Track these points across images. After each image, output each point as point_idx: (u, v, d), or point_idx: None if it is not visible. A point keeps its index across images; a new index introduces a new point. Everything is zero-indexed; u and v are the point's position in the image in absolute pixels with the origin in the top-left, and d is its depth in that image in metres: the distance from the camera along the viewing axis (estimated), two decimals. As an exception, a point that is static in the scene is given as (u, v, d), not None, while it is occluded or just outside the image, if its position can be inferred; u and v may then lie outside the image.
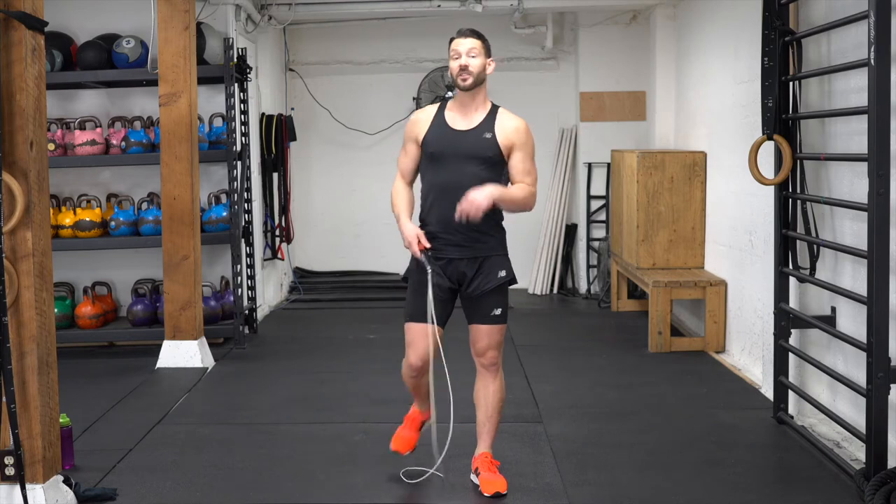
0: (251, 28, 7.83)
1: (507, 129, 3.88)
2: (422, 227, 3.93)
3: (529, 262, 9.01)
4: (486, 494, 3.92)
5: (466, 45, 3.84)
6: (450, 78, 3.96)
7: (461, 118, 3.91)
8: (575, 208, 9.14)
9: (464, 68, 3.82)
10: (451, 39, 3.90)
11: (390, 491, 4.03)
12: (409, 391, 4.24)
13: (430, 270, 3.81)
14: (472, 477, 4.07)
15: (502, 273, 3.92)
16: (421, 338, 3.91)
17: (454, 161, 3.85)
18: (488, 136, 3.86)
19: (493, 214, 3.88)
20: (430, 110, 4.00)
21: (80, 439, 4.68)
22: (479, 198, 3.69)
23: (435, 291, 3.85)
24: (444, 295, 3.92)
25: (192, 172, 6.26)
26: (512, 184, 3.93)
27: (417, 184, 4.06)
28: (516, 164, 3.89)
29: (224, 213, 6.88)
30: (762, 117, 4.80)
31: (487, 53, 3.88)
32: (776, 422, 4.82)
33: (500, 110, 3.94)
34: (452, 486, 4.06)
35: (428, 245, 3.84)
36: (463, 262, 3.89)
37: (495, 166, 3.88)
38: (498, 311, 3.92)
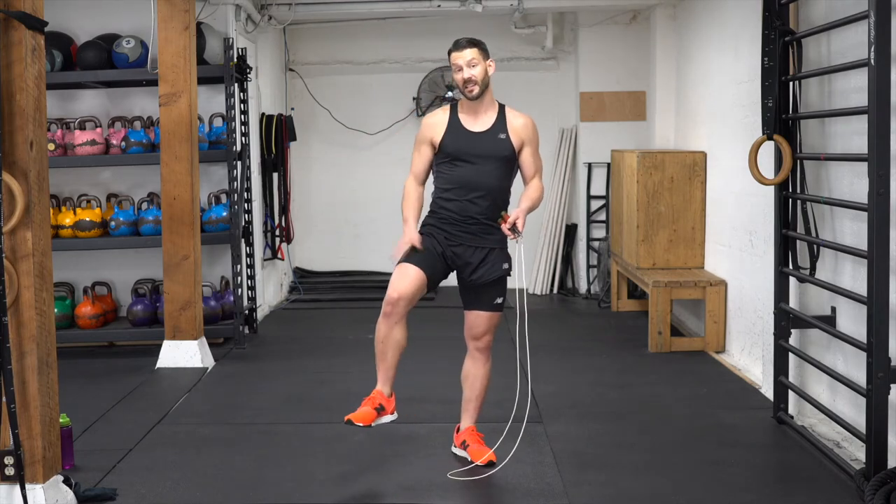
0: (251, 28, 7.83)
1: (518, 127, 4.18)
2: (433, 214, 4.20)
3: (529, 262, 9.00)
4: (478, 463, 4.18)
5: (466, 56, 4.08)
6: (457, 89, 4.22)
7: (474, 120, 4.18)
8: (575, 208, 9.14)
9: (468, 80, 4.07)
10: (450, 52, 4.14)
11: (390, 491, 4.03)
12: (376, 360, 4.18)
13: (520, 238, 4.05)
14: (455, 450, 4.36)
15: (505, 265, 4.22)
16: (407, 275, 4.03)
17: (473, 161, 4.13)
18: (503, 136, 4.16)
19: (504, 210, 4.17)
20: (443, 113, 4.23)
21: (80, 439, 4.68)
22: (520, 224, 4.00)
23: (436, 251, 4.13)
24: (442, 261, 4.14)
25: (192, 172, 6.26)
26: (524, 178, 4.24)
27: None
28: (527, 158, 4.21)
29: (224, 213, 6.88)
30: (762, 117, 4.80)
31: (486, 56, 4.12)
32: (776, 422, 4.82)
33: (507, 109, 4.22)
34: (452, 485, 4.07)
35: (420, 248, 4.05)
36: (471, 249, 4.16)
37: (509, 163, 4.19)
38: (500, 300, 4.24)
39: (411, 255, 4.07)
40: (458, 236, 4.14)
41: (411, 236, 4.07)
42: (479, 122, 4.16)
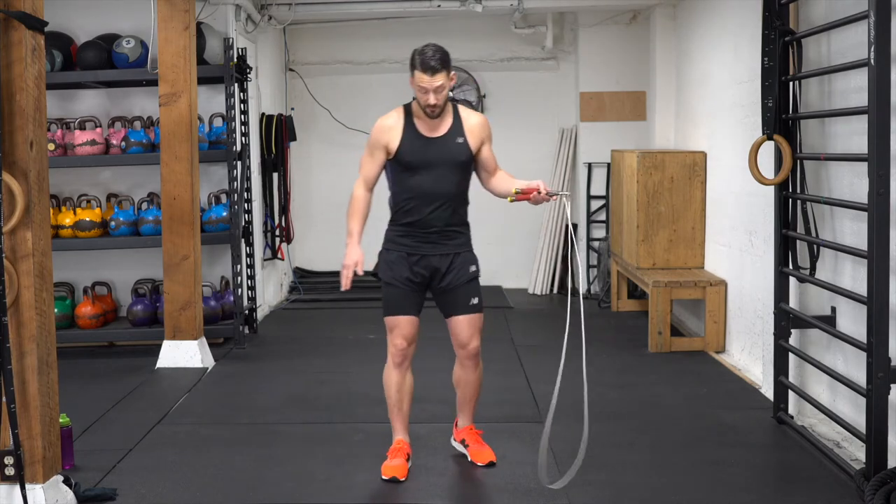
0: (251, 28, 7.83)
1: (474, 127, 4.11)
2: (394, 225, 4.19)
3: (529, 262, 9.00)
4: (479, 464, 4.20)
5: (434, 83, 3.91)
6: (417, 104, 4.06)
7: (430, 124, 4.06)
8: (575, 208, 9.14)
9: (433, 105, 3.96)
10: (414, 68, 3.92)
11: (390, 491, 4.03)
12: (389, 412, 4.28)
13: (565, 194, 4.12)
14: (455, 444, 4.37)
15: (473, 268, 4.16)
16: (403, 323, 4.11)
17: (431, 168, 4.05)
18: (460, 140, 4.07)
19: (464, 213, 4.17)
20: (396, 117, 4.10)
21: (80, 439, 4.68)
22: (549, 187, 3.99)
23: (413, 283, 4.11)
24: (417, 287, 4.13)
25: (192, 172, 6.26)
26: (487, 173, 4.18)
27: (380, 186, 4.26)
28: (487, 154, 4.16)
29: (224, 213, 6.88)
30: (762, 117, 4.80)
31: (450, 71, 3.96)
32: (776, 422, 4.82)
33: (459, 108, 4.13)
34: (452, 485, 4.07)
35: (361, 273, 4.08)
36: (436, 257, 4.10)
37: (467, 167, 4.13)
38: (475, 301, 4.16)
39: (392, 306, 4.13)
40: (420, 247, 4.08)
41: (355, 258, 4.05)
42: (435, 126, 4.04)
